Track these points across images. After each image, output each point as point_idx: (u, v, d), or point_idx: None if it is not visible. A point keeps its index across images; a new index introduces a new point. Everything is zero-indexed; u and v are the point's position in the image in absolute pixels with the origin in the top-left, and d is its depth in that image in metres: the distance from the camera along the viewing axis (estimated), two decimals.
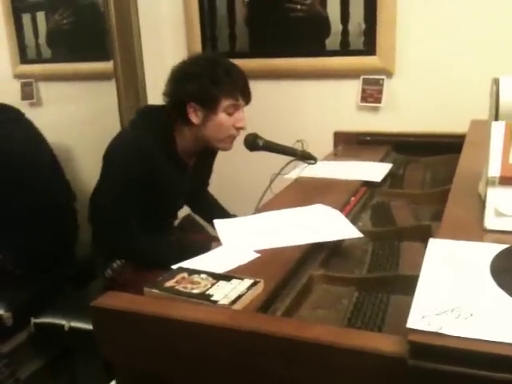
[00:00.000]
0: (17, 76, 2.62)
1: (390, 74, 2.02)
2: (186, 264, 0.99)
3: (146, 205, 1.54)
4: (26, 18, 2.51)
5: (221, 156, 1.79)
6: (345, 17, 2.02)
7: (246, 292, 0.86)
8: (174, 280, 0.91)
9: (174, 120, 1.58)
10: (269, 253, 1.04)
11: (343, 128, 2.08)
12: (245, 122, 1.59)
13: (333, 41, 2.06)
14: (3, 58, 2.58)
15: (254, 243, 1.08)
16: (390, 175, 1.65)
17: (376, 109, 2.07)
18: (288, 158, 1.57)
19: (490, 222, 0.96)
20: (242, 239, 1.13)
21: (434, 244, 0.88)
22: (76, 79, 2.45)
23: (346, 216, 1.24)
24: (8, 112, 2.14)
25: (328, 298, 0.97)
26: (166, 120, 1.58)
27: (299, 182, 1.55)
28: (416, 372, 0.63)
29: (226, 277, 0.92)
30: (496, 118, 1.04)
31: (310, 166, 1.59)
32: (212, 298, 0.84)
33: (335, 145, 2.04)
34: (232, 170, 1.97)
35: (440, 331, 0.63)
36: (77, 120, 2.42)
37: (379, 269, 1.05)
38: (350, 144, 2.03)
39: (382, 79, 2.02)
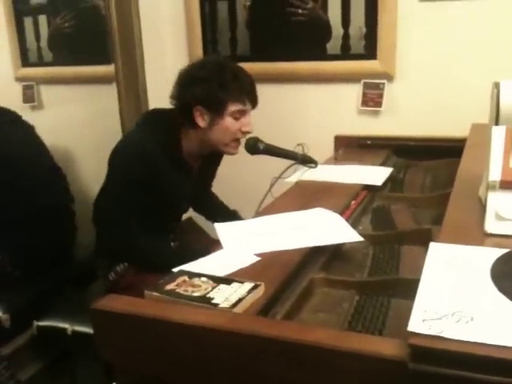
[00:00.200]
0: (18, 79, 2.63)
1: (390, 78, 2.02)
2: (186, 267, 0.99)
3: (147, 206, 1.54)
4: (28, 22, 2.51)
5: (222, 159, 1.80)
6: (346, 21, 2.03)
7: (247, 295, 0.86)
8: (175, 283, 0.91)
9: (181, 123, 1.58)
10: (269, 256, 1.04)
11: (344, 132, 2.08)
12: (251, 127, 1.59)
13: (334, 45, 2.07)
14: (5, 60, 2.58)
15: (254, 247, 1.08)
16: (391, 179, 1.65)
17: (376, 113, 2.08)
18: (288, 162, 1.58)
19: (491, 225, 0.96)
20: (242, 243, 1.13)
21: (434, 248, 0.88)
22: (77, 82, 2.45)
23: (347, 220, 1.25)
24: (5, 115, 2.13)
25: (329, 301, 0.97)
26: (172, 123, 1.58)
27: (300, 186, 1.56)
28: (417, 376, 0.63)
29: (227, 280, 0.92)
30: (496, 122, 1.05)
31: (311, 169, 1.60)
32: (212, 301, 0.84)
33: (336, 148, 2.04)
34: (233, 174, 1.97)
35: (441, 335, 0.63)
36: (78, 123, 2.42)
37: (380, 272, 1.05)
38: (351, 148, 2.03)
39: (383, 83, 2.03)
